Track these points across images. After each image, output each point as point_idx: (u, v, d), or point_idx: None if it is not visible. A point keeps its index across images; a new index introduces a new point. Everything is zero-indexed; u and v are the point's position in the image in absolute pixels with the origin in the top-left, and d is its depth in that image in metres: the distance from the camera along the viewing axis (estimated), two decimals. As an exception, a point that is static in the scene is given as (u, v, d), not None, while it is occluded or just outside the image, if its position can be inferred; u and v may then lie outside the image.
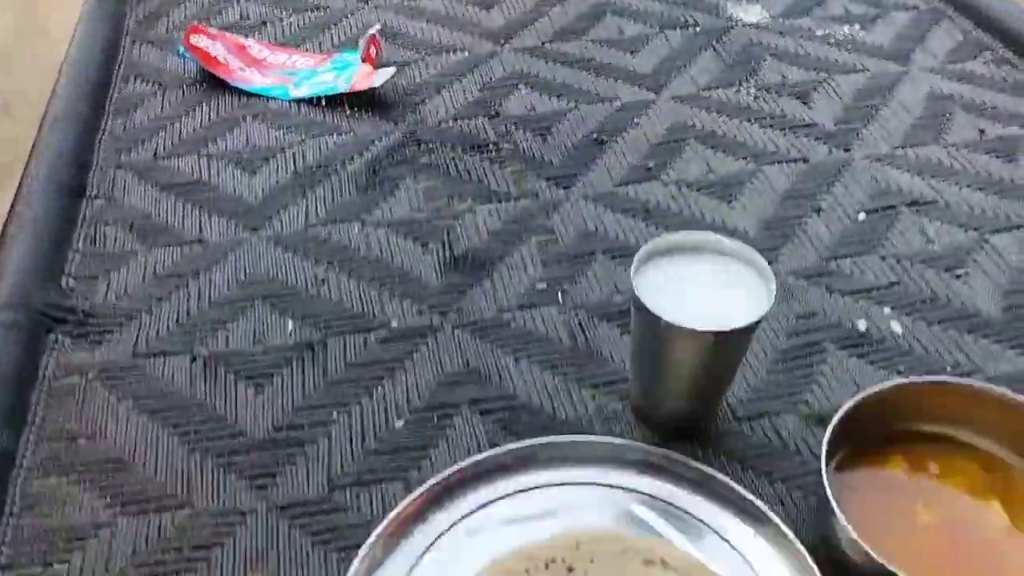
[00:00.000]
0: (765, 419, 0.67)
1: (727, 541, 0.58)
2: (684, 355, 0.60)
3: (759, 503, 0.59)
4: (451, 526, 0.59)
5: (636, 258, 0.61)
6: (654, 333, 0.59)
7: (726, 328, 0.58)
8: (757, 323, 0.58)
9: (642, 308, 0.58)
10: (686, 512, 0.60)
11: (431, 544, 0.58)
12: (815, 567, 0.55)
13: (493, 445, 0.64)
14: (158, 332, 0.73)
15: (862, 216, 0.84)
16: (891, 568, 0.51)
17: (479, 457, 0.62)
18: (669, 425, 0.66)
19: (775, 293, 0.59)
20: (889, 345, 0.72)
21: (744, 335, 0.60)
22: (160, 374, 0.70)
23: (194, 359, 0.71)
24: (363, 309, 0.75)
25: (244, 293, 0.76)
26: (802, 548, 0.56)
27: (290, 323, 0.74)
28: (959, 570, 0.54)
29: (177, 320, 0.74)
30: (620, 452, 0.63)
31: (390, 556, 0.57)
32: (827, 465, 0.56)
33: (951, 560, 0.55)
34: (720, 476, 0.61)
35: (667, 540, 0.58)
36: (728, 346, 0.60)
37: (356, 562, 0.56)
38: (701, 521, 0.59)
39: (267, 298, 0.76)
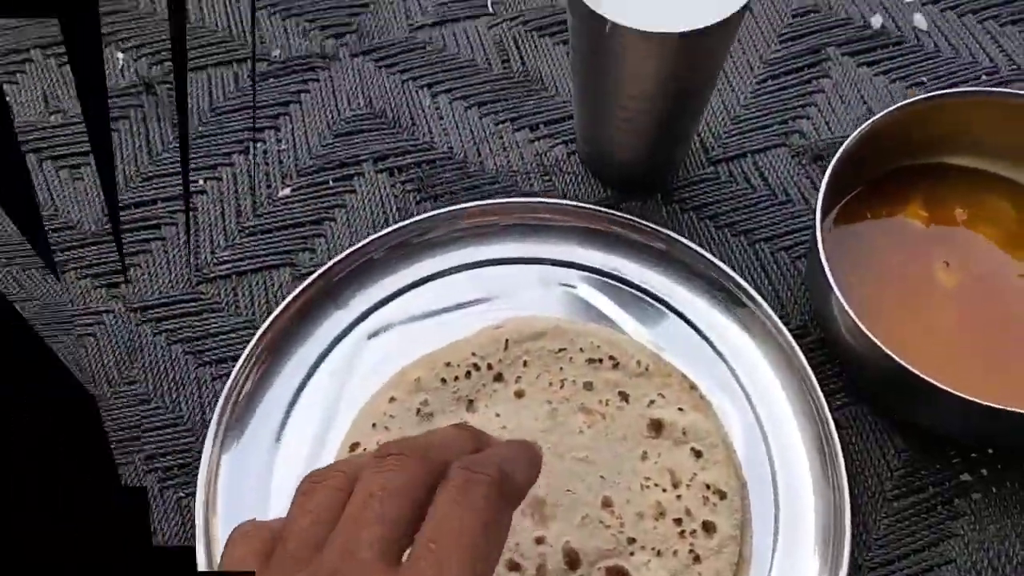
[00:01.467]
0: (747, 159, 0.53)
1: (692, 324, 0.47)
2: (639, 71, 0.43)
3: (733, 274, 0.47)
4: (350, 327, 0.47)
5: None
6: (597, 43, 0.43)
7: (694, 28, 0.40)
8: (739, 14, 0.41)
9: (580, 8, 0.41)
10: (642, 289, 0.47)
11: (325, 352, 0.46)
12: (803, 358, 0.44)
13: (404, 214, 0.51)
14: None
15: None
16: (900, 362, 0.39)
17: (384, 232, 0.49)
18: (625, 176, 0.52)
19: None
20: (910, 46, 0.56)
21: (719, 37, 0.42)
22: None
23: None
24: (231, 32, 0.58)
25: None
26: (787, 334, 0.45)
27: (120, 55, 0.57)
28: (991, 356, 0.43)
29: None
30: (558, 216, 0.49)
31: (276, 369, 0.46)
32: (823, 216, 0.43)
33: (979, 344, 0.44)
34: (684, 241, 0.48)
35: (617, 327, 0.47)
36: (698, 54, 0.43)
37: (231, 379, 0.45)
38: (661, 300, 0.47)
39: (106, 30, 0.59)
